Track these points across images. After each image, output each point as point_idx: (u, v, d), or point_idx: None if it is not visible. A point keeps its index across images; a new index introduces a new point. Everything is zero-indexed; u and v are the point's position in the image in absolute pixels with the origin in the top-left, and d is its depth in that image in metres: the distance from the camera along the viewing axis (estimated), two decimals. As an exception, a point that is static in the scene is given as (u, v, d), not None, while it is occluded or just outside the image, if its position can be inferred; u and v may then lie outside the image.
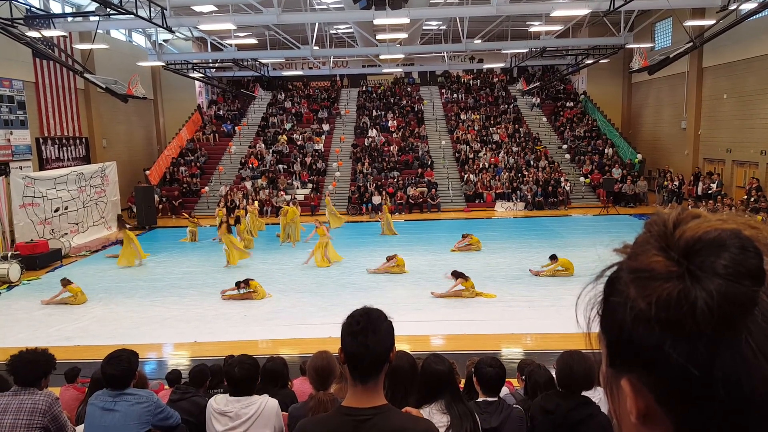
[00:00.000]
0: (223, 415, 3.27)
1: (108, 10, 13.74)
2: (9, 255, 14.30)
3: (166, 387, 5.75)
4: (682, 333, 0.54)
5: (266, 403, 3.29)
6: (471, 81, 33.84)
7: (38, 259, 14.94)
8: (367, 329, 1.79)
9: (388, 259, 13.29)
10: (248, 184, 24.56)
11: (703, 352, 0.53)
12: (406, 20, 17.46)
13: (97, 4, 13.65)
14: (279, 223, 17.77)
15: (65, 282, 11.49)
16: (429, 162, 26.07)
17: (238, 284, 11.45)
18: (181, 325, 10.10)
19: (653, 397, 0.57)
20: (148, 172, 24.78)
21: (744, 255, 0.54)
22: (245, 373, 3.32)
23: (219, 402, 3.36)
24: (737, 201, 18.78)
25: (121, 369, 3.37)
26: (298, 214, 17.66)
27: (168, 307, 11.20)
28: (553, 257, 12.57)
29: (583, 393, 3.18)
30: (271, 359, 4.65)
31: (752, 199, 17.82)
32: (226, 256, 14.38)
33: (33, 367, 3.57)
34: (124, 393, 3.38)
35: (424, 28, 26.83)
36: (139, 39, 28.04)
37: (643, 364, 0.57)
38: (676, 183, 22.37)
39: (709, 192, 20.27)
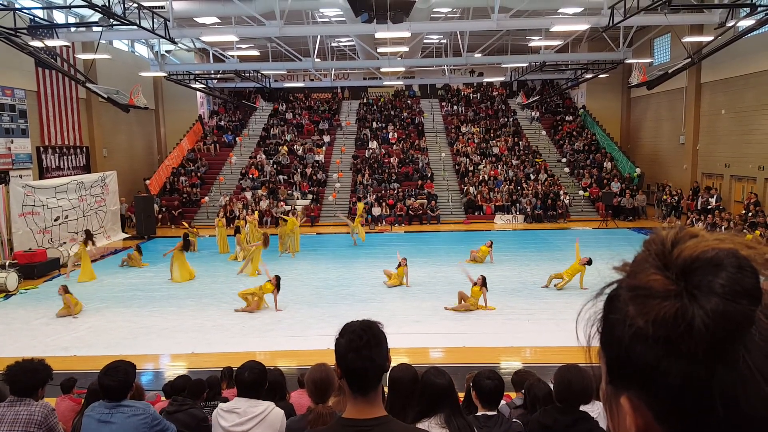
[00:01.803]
0: (230, 412, 3.30)
1: (111, 20, 13.85)
2: (7, 264, 14.27)
3: (163, 398, 5.71)
4: (680, 351, 0.54)
5: (273, 409, 3.33)
6: (471, 94, 34.04)
7: (36, 268, 14.89)
8: (370, 343, 1.79)
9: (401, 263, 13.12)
10: (248, 195, 24.59)
11: (700, 371, 0.54)
12: (407, 34, 17.60)
13: (100, 15, 13.76)
14: (277, 234, 17.73)
15: (64, 289, 11.37)
16: (429, 174, 26.14)
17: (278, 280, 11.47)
18: (178, 336, 10.05)
19: (652, 415, 0.58)
20: (148, 182, 24.81)
21: (741, 274, 0.55)
22: (255, 377, 3.42)
23: (226, 404, 3.43)
24: (735, 216, 18.80)
25: (118, 380, 3.36)
26: (297, 225, 17.66)
27: (165, 317, 11.16)
28: (589, 262, 12.24)
29: (582, 407, 3.16)
30: (269, 370, 4.63)
31: (750, 214, 17.85)
32: (171, 272, 14.23)
33: (30, 376, 3.56)
34: (121, 404, 3.36)
35: (425, 41, 27.03)
36: (141, 49, 28.23)
37: (642, 381, 0.57)
38: (675, 198, 22.42)
39: (708, 207, 20.31)
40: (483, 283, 11.03)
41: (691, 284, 0.55)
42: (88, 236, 15.00)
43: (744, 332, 0.54)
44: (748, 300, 0.54)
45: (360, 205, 18.45)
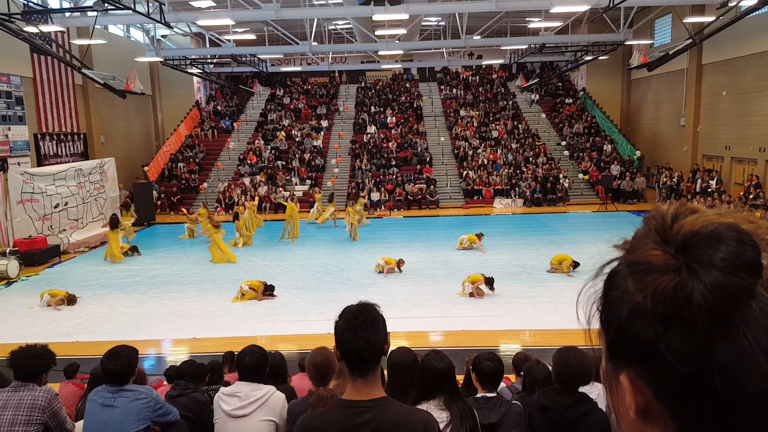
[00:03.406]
0: (231, 396, 3.32)
1: (106, 5, 13.69)
2: (7, 251, 14.29)
3: (165, 383, 5.75)
4: (679, 326, 0.54)
5: (273, 393, 3.36)
6: (470, 77, 33.80)
7: (37, 255, 14.92)
8: (366, 323, 1.81)
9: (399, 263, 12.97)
10: (247, 181, 24.55)
11: (699, 345, 0.53)
12: (405, 16, 17.41)
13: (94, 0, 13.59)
14: (283, 220, 17.68)
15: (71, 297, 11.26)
16: (428, 158, 26.06)
17: (267, 288, 11.31)
18: (179, 321, 10.10)
19: (652, 392, 0.57)
20: (146, 168, 24.75)
21: (741, 248, 0.54)
22: (255, 362, 3.44)
23: (227, 388, 3.46)
24: (735, 198, 18.81)
25: (121, 365, 3.38)
26: (296, 211, 17.65)
27: (166, 303, 11.21)
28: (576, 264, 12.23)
29: (581, 389, 3.19)
30: (270, 354, 4.66)
31: (751, 196, 17.85)
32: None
33: (35, 361, 3.58)
34: (124, 389, 3.39)
35: (423, 23, 26.76)
36: (137, 34, 27.95)
37: (641, 358, 0.57)
38: (675, 180, 22.39)
39: (708, 189, 20.30)
40: (487, 282, 10.90)
41: (691, 258, 0.55)
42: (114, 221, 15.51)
43: (744, 306, 0.53)
44: (749, 273, 0.53)
45: (350, 210, 17.64)
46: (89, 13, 16.30)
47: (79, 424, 3.63)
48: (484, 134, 27.81)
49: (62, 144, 21.57)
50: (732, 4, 15.17)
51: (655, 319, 0.55)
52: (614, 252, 0.63)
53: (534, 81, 30.90)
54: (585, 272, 11.97)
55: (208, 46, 25.82)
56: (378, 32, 22.38)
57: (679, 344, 0.54)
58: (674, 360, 0.54)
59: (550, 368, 3.58)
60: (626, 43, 22.72)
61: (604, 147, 26.34)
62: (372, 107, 30.65)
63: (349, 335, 1.80)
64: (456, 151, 26.74)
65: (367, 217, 19.76)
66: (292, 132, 28.40)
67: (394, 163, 25.62)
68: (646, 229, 0.61)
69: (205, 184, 25.09)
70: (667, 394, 0.56)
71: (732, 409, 0.53)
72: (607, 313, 0.62)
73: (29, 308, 11.07)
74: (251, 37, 24.98)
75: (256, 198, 21.26)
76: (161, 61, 23.78)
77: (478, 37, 24.78)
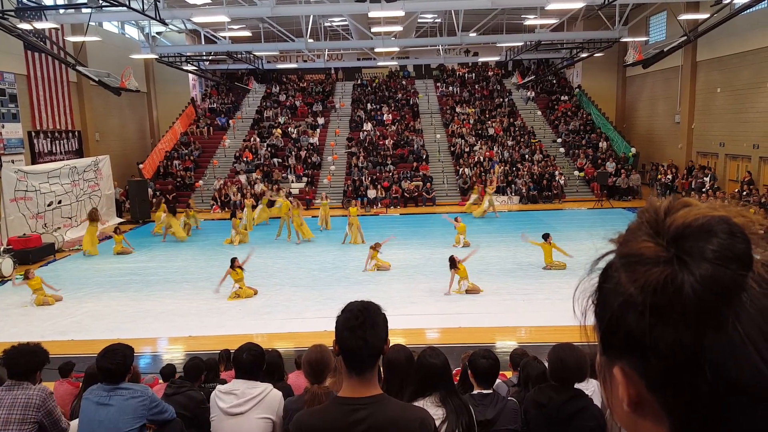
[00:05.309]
0: (228, 393, 3.32)
1: (100, 1, 13.61)
2: (1, 249, 14.22)
3: (161, 381, 5.74)
4: (670, 318, 0.54)
5: (271, 391, 3.36)
6: (466, 74, 33.78)
7: (31, 253, 14.86)
8: (366, 324, 1.80)
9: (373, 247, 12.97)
10: (243, 178, 24.49)
11: (690, 338, 0.53)
12: (401, 13, 17.38)
13: (89, -4, 13.52)
14: (280, 217, 17.67)
15: (26, 275, 11.22)
16: (424, 156, 26.06)
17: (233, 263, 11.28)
18: (175, 319, 10.08)
19: (644, 384, 0.57)
20: (141, 166, 24.66)
21: (732, 240, 0.54)
22: (253, 359, 3.43)
23: (224, 386, 3.45)
24: (729, 194, 18.89)
25: (116, 363, 3.37)
26: (291, 208, 17.61)
27: (162, 301, 11.18)
28: (546, 236, 12.77)
29: (576, 385, 3.20)
30: (267, 352, 4.65)
31: (744, 193, 17.93)
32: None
33: (29, 359, 3.57)
34: (119, 387, 3.37)
35: (419, 20, 26.71)
36: (131, 31, 27.82)
37: (633, 350, 0.57)
38: (669, 177, 22.46)
39: (703, 188, 20.37)
40: (452, 265, 10.94)
41: (682, 250, 0.55)
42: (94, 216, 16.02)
43: (734, 298, 0.53)
44: (739, 265, 0.53)
45: (353, 210, 17.11)
46: (83, 10, 16.20)
47: (74, 423, 3.62)
48: (480, 131, 27.82)
49: (56, 141, 21.46)
50: (726, 2, 15.21)
51: (646, 310, 0.55)
52: (609, 246, 0.63)
53: (530, 78, 30.92)
54: (581, 268, 12.00)
55: (203, 43, 25.72)
56: (374, 29, 22.33)
57: (669, 336, 0.54)
58: (665, 352, 0.54)
59: (546, 365, 3.58)
60: (621, 40, 22.76)
61: (600, 144, 26.40)
62: (368, 104, 30.60)
63: (347, 334, 1.80)
64: (452, 149, 26.75)
65: (362, 216, 19.72)
66: (289, 129, 28.35)
67: (390, 160, 25.60)
68: (639, 221, 0.61)
69: (200, 182, 25.01)
70: (659, 386, 0.56)
71: (723, 401, 0.53)
72: (601, 306, 0.62)
73: (24, 306, 11.04)
74: (247, 34, 24.89)
75: (255, 195, 21.25)
76: (156, 58, 23.69)
77: (474, 35, 24.76)
